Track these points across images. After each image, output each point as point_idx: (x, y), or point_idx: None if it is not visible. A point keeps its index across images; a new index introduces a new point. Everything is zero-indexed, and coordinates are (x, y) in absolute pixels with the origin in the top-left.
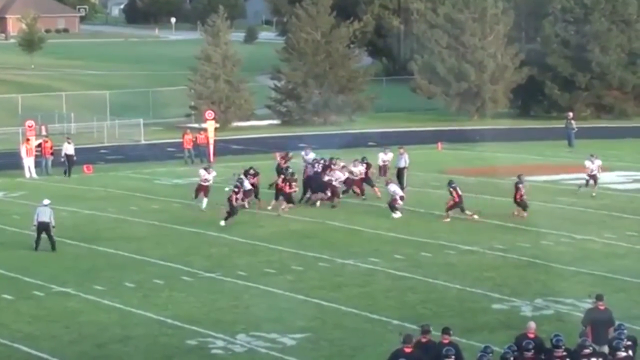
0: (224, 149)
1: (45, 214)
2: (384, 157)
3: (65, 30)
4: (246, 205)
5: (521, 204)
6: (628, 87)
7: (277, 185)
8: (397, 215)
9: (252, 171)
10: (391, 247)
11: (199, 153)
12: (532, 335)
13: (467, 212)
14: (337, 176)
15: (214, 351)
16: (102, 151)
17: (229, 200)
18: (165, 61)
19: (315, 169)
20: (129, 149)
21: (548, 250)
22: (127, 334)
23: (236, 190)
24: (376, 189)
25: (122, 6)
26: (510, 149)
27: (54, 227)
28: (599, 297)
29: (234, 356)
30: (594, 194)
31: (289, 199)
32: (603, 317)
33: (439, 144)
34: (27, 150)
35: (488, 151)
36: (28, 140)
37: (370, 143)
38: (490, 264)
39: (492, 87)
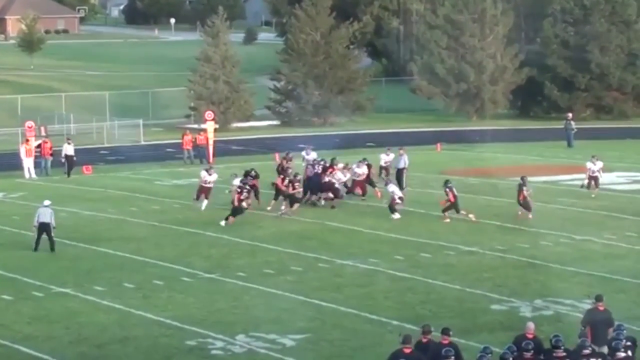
0: (223, 149)
1: (45, 215)
2: (386, 157)
3: (65, 31)
4: (244, 205)
5: (525, 205)
6: (627, 88)
7: (276, 185)
8: (397, 216)
9: (253, 173)
10: (391, 247)
11: (199, 154)
12: (531, 336)
13: (462, 211)
14: (338, 177)
15: (213, 352)
16: (102, 152)
17: (232, 201)
18: (165, 62)
19: (316, 170)
20: (129, 149)
21: (547, 250)
22: (127, 335)
23: (239, 190)
24: (377, 189)
25: (121, 7)
26: (510, 149)
27: (54, 227)
28: (598, 298)
29: (234, 357)
30: (593, 195)
31: (294, 199)
32: (602, 318)
33: (439, 144)
34: (26, 151)
35: (487, 152)
36: (27, 141)
37: (368, 144)
38: (489, 264)
39: (491, 88)
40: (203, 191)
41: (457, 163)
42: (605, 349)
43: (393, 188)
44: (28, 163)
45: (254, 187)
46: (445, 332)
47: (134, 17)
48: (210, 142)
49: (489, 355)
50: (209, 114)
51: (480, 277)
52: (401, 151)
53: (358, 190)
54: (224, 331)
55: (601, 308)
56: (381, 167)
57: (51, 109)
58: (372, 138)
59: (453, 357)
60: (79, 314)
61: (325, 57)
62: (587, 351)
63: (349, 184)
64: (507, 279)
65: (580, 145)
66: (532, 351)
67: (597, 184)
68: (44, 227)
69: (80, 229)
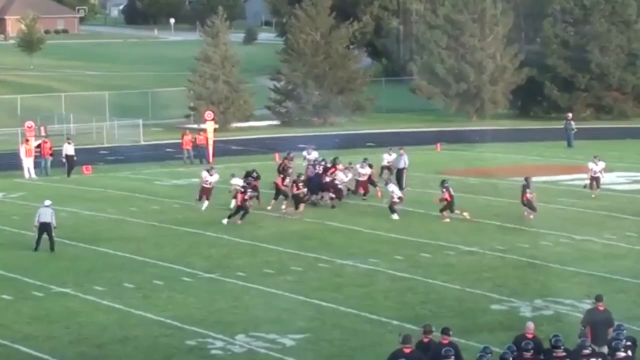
0: (223, 149)
1: (46, 215)
2: (388, 157)
3: (65, 31)
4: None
5: (529, 206)
6: (627, 88)
7: (276, 184)
8: (396, 217)
9: (254, 174)
10: (391, 247)
11: (199, 154)
12: (530, 336)
13: (457, 211)
14: (340, 178)
15: (213, 352)
16: (102, 152)
17: (236, 200)
18: (165, 62)
19: (317, 170)
20: (129, 149)
21: (547, 250)
22: (127, 335)
23: (242, 190)
24: (378, 189)
25: (121, 7)
26: (510, 149)
27: (55, 227)
28: (598, 298)
29: (234, 357)
30: (593, 195)
31: (298, 199)
32: (602, 318)
33: (438, 144)
34: (26, 151)
35: (487, 152)
36: (27, 141)
37: (368, 144)
38: (489, 264)
39: (491, 88)
40: (204, 192)
41: (457, 163)
42: (605, 349)
43: (393, 188)
44: (28, 163)
45: (255, 189)
46: (445, 332)
47: (133, 17)
48: (210, 142)
49: (489, 355)
50: (208, 114)
51: (480, 277)
52: (401, 151)
53: (361, 191)
54: (224, 331)
55: (601, 308)
56: (383, 167)
57: (51, 109)
58: (372, 138)
59: (453, 357)
60: (79, 313)
61: (325, 57)
62: (587, 351)
63: (352, 185)
64: (507, 279)
65: (580, 145)
66: (532, 351)
67: (598, 185)
68: (44, 227)
69: (80, 229)
